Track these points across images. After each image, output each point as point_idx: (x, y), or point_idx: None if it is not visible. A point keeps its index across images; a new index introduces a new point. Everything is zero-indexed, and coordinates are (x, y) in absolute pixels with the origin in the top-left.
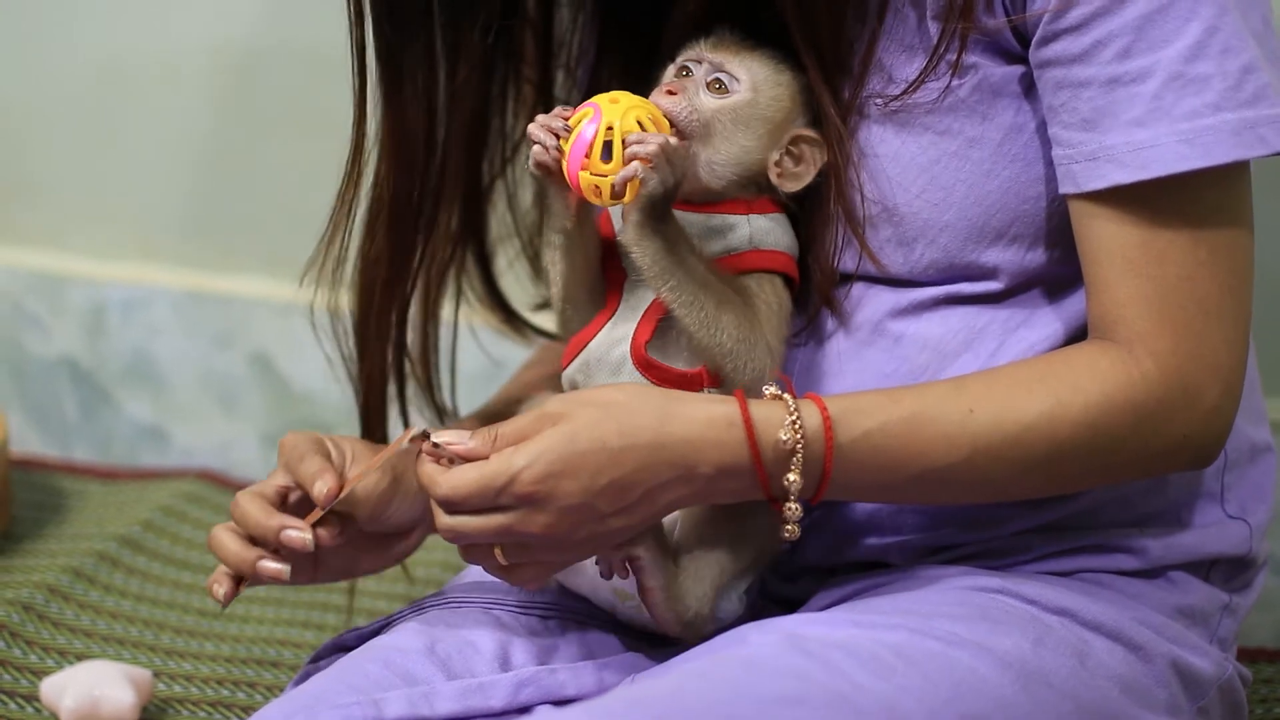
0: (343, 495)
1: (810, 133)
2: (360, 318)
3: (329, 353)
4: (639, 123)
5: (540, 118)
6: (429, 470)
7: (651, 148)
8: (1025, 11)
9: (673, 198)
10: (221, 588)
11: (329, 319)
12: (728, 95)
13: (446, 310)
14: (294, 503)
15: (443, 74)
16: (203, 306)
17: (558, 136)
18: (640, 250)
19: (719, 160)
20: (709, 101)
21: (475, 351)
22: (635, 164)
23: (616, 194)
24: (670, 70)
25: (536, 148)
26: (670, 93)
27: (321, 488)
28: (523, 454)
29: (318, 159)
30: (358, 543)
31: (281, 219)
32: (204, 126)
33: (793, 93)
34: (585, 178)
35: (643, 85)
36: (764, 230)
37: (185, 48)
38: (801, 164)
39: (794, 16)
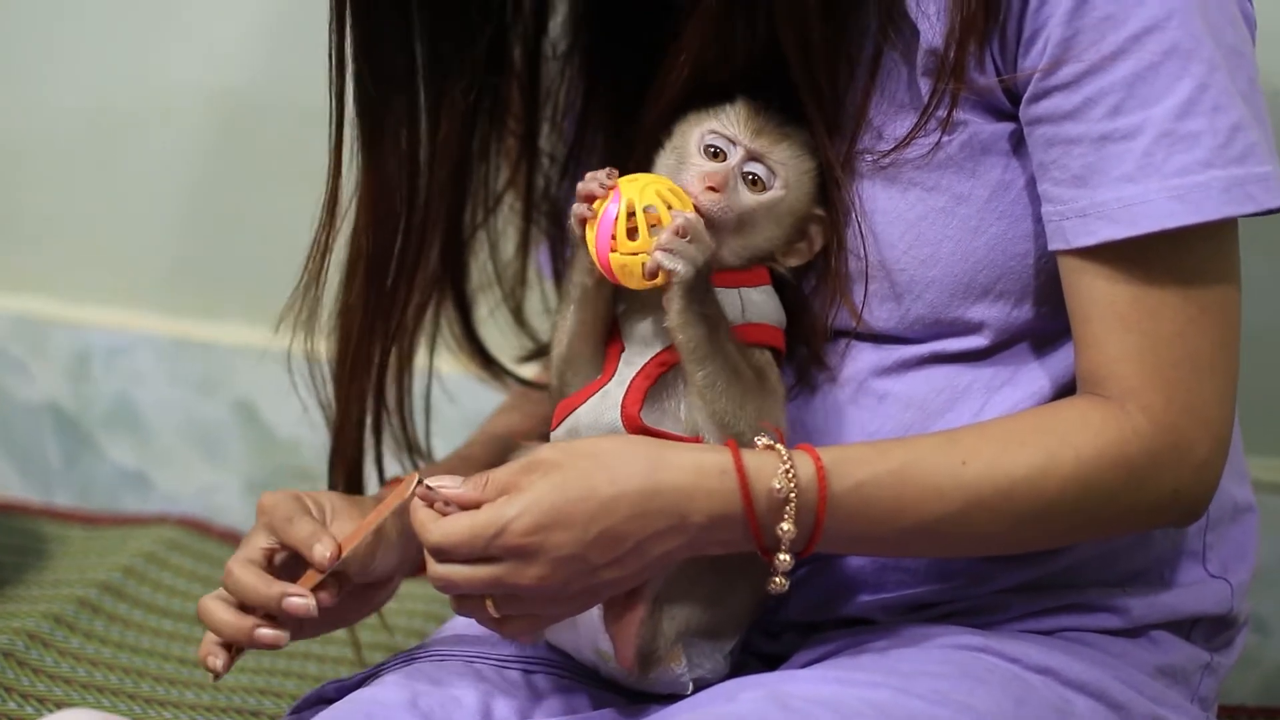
0: (344, 557)
1: (820, 213)
2: (338, 365)
3: (304, 398)
4: (659, 196)
5: (587, 178)
6: (421, 517)
7: (671, 237)
8: (1016, 70)
9: (707, 275)
10: (218, 660)
11: (307, 366)
12: (765, 192)
13: (423, 358)
14: (280, 564)
15: (425, 129)
16: (186, 353)
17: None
18: (685, 336)
19: (742, 246)
20: (748, 199)
21: (454, 399)
22: (659, 255)
23: (649, 275)
24: (695, 142)
25: (579, 207)
26: (712, 189)
27: (323, 552)
28: (514, 504)
29: (305, 208)
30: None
31: (267, 267)
32: (191, 173)
33: (814, 179)
34: (616, 259)
35: (629, 139)
36: (755, 304)
37: (176, 94)
38: (805, 241)
39: (802, 78)
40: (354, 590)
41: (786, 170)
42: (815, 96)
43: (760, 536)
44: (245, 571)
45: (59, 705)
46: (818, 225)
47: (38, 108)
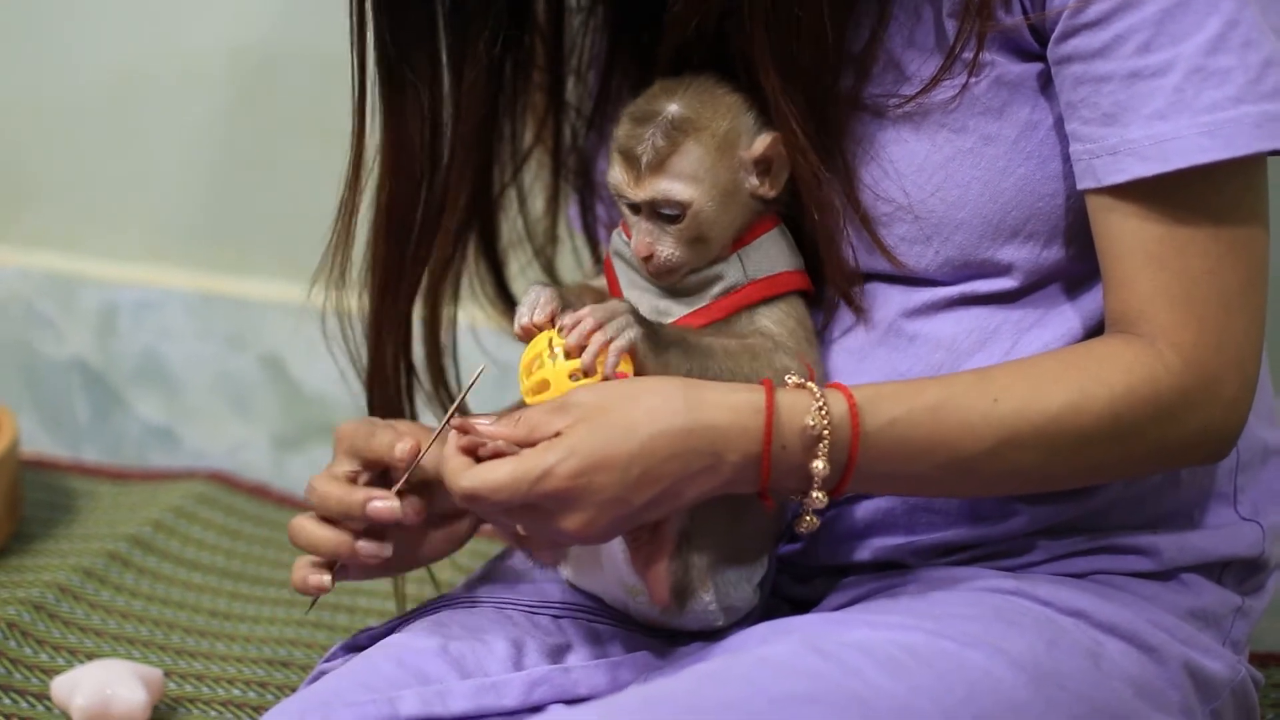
0: (422, 455)
1: (761, 146)
2: (370, 322)
3: (339, 358)
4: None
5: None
6: (454, 466)
7: (605, 355)
8: (1044, 9)
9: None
10: (323, 578)
11: (339, 324)
12: (681, 218)
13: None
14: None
15: (448, 83)
16: (215, 308)
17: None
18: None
19: (716, 241)
20: (673, 230)
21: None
22: (609, 354)
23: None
24: (625, 209)
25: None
26: (646, 258)
27: (403, 448)
28: (555, 449)
29: (331, 162)
30: (424, 525)
31: (294, 222)
32: (218, 129)
33: (726, 140)
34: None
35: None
36: (757, 260)
37: (200, 51)
38: (774, 166)
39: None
40: (434, 522)
41: (683, 185)
42: (777, 44)
43: (767, 477)
44: (328, 484)
45: (90, 657)
46: (770, 151)
47: (63, 67)
